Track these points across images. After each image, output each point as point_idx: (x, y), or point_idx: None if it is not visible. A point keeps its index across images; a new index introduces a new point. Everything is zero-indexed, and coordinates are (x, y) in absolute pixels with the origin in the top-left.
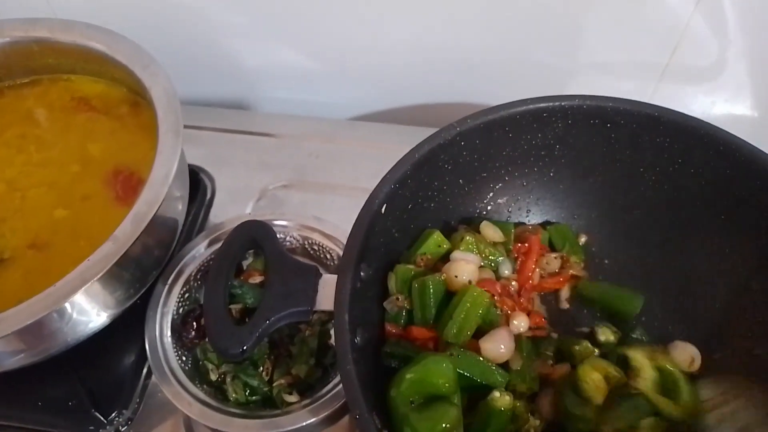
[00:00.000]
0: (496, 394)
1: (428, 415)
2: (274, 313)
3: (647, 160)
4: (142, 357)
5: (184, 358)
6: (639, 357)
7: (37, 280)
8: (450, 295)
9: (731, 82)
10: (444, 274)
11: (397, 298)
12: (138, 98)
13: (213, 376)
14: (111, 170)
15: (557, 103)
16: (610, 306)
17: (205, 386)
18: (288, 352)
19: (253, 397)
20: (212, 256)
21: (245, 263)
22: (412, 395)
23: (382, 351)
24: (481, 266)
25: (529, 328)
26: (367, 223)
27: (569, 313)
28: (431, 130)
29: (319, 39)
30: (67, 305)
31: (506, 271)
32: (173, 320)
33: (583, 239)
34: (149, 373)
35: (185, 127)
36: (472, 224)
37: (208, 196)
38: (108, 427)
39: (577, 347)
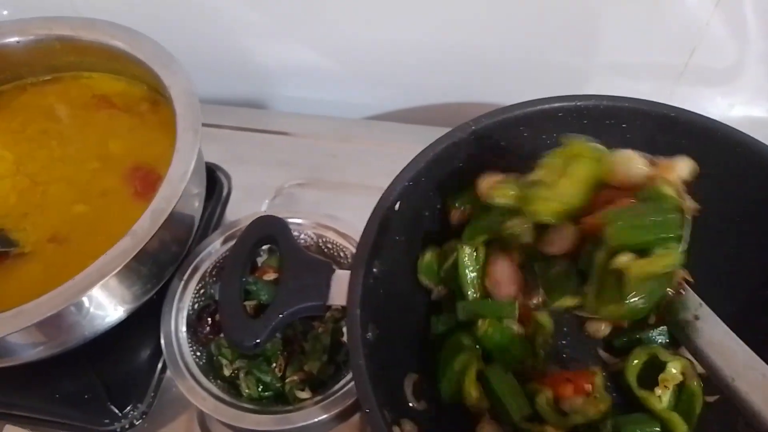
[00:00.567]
0: None
1: None
2: (288, 308)
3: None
4: (157, 352)
5: (198, 354)
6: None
7: (56, 273)
8: None
9: (750, 84)
10: None
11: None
12: (158, 96)
13: (227, 372)
14: (130, 166)
15: (573, 103)
16: None
17: (218, 381)
18: (301, 348)
19: (266, 393)
20: (227, 253)
21: (260, 260)
22: None
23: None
24: None
25: None
26: (381, 220)
27: None
28: (446, 130)
29: (335, 39)
30: (85, 299)
31: None
32: (188, 316)
33: None
34: (164, 368)
35: (203, 125)
36: None
37: (225, 193)
38: (123, 420)
39: None
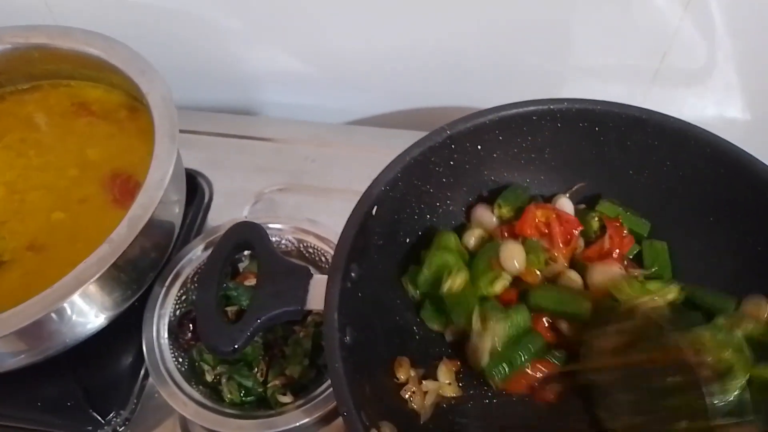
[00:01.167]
0: None
1: None
2: (265, 312)
3: (636, 162)
4: (139, 358)
5: (180, 360)
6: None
7: (35, 281)
8: None
9: (721, 84)
10: None
11: None
12: (136, 103)
13: (209, 377)
14: (109, 174)
15: (546, 107)
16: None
17: (200, 387)
18: (282, 353)
19: (248, 398)
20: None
21: (241, 266)
22: None
23: None
24: None
25: None
26: (358, 225)
27: None
28: (425, 134)
29: (316, 45)
30: (66, 306)
31: None
32: (170, 322)
33: None
34: (146, 374)
35: (183, 131)
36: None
37: (206, 199)
38: (105, 427)
39: None
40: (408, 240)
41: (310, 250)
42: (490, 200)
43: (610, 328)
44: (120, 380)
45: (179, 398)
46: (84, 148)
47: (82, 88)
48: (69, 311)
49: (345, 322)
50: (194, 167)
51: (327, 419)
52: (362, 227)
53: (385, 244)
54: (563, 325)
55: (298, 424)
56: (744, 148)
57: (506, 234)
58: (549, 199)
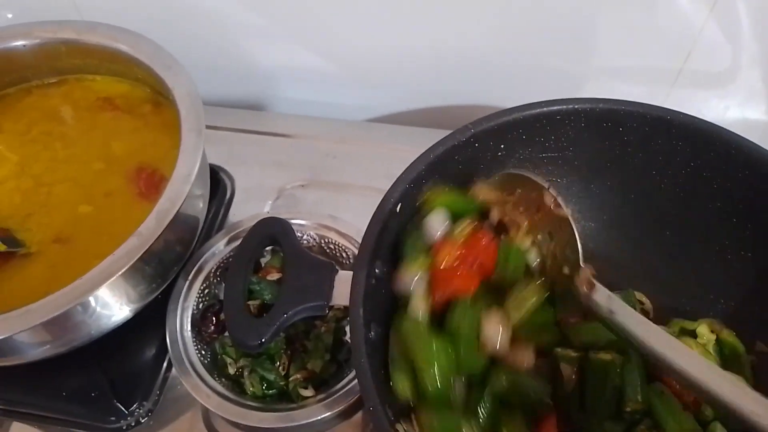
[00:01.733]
0: None
1: None
2: (291, 307)
3: (659, 163)
4: (162, 350)
5: (203, 352)
6: None
7: (61, 273)
8: None
9: (744, 87)
10: None
11: None
12: (160, 98)
13: (231, 370)
14: (134, 168)
15: (570, 106)
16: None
17: (223, 379)
18: (304, 347)
19: (270, 391)
20: (231, 254)
21: (263, 261)
22: None
23: None
24: None
25: None
26: (382, 222)
27: None
28: (445, 132)
29: (336, 42)
30: (92, 299)
31: None
32: (193, 315)
33: None
34: (169, 366)
35: (206, 127)
36: None
37: (228, 195)
38: (129, 417)
39: None
40: None
41: (332, 246)
42: None
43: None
44: (143, 372)
45: (202, 390)
46: (109, 141)
47: (107, 83)
48: (95, 303)
49: (370, 318)
50: (216, 162)
51: (347, 413)
52: (386, 224)
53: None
54: None
55: (318, 417)
56: None
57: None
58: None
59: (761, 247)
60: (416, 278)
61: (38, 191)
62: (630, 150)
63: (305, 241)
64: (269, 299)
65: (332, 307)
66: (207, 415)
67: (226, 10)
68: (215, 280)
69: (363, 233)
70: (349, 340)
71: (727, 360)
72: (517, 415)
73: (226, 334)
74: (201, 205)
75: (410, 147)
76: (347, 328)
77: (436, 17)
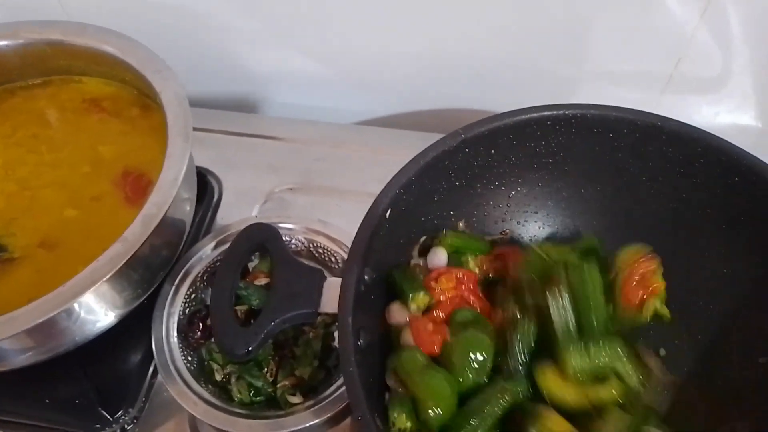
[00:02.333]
0: None
1: None
2: (279, 315)
3: (650, 169)
4: (148, 356)
5: (189, 358)
6: None
7: (46, 279)
8: None
9: (736, 92)
10: None
11: None
12: (148, 101)
13: (218, 377)
14: (121, 171)
15: (561, 112)
16: None
17: (210, 386)
18: (292, 353)
19: (258, 398)
20: (219, 258)
21: (251, 265)
22: None
23: None
24: None
25: None
26: (372, 228)
27: None
28: (437, 136)
29: (329, 45)
30: (76, 305)
31: None
32: (179, 320)
33: None
34: (155, 373)
35: (193, 129)
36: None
37: (216, 198)
38: (114, 425)
39: None
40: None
41: (321, 251)
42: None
43: None
44: (129, 378)
45: (188, 397)
46: (96, 145)
47: (94, 84)
48: (79, 309)
49: (359, 326)
50: (205, 165)
51: (336, 420)
52: (376, 230)
53: (397, 246)
54: None
55: (307, 424)
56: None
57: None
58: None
59: (753, 254)
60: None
61: (23, 195)
62: (621, 156)
63: (294, 246)
64: (257, 305)
65: (321, 313)
66: (194, 422)
67: (217, 12)
68: (202, 285)
69: (353, 238)
70: (338, 346)
71: None
72: None
73: (213, 339)
74: (188, 208)
75: (401, 151)
76: (336, 334)
77: (429, 21)
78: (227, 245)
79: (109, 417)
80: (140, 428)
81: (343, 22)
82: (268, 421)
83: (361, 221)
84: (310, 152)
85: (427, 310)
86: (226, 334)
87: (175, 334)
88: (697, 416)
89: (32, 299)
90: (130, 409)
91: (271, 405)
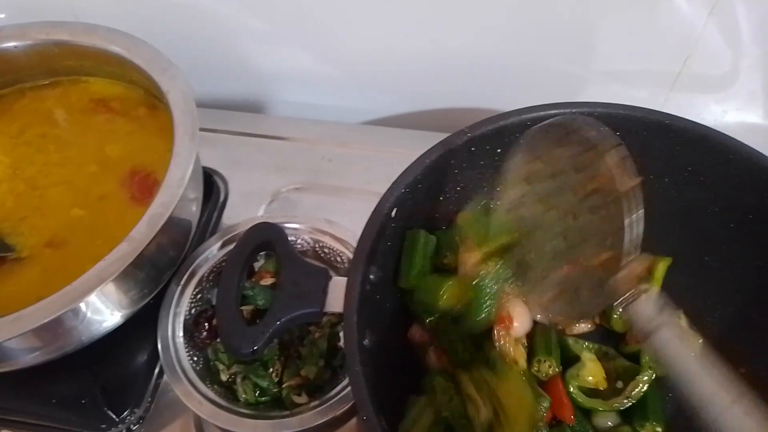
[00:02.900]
0: None
1: None
2: (285, 314)
3: (658, 167)
4: (154, 356)
5: (195, 358)
6: None
7: (54, 278)
8: None
9: (744, 91)
10: None
11: None
12: (156, 101)
13: (223, 377)
14: (128, 171)
15: (568, 110)
16: None
17: (215, 386)
18: (298, 353)
19: (263, 398)
20: (225, 258)
21: (257, 265)
22: None
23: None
24: None
25: None
26: (377, 227)
27: None
28: (443, 135)
29: (335, 44)
30: (82, 305)
31: None
32: (185, 320)
33: None
34: (161, 373)
35: (200, 129)
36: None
37: (222, 198)
38: (120, 425)
39: None
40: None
41: (326, 251)
42: None
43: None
44: (135, 378)
45: (194, 397)
46: (103, 144)
47: (102, 84)
48: (86, 309)
49: (364, 325)
50: (210, 165)
51: (341, 420)
52: (381, 229)
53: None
54: None
55: (312, 425)
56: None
57: None
58: None
59: (761, 253)
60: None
61: (31, 195)
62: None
63: (299, 245)
64: (263, 304)
65: (326, 313)
66: (199, 423)
67: (224, 12)
68: (208, 285)
69: (358, 238)
70: (343, 346)
71: None
72: None
73: (219, 340)
74: (194, 208)
75: (407, 150)
76: (342, 334)
77: (435, 21)
78: (233, 245)
79: (115, 417)
80: (146, 428)
81: (349, 22)
82: (273, 421)
83: (366, 220)
84: (316, 152)
85: None
86: (232, 334)
87: (181, 334)
88: None
89: (39, 298)
90: (136, 409)
91: (276, 405)
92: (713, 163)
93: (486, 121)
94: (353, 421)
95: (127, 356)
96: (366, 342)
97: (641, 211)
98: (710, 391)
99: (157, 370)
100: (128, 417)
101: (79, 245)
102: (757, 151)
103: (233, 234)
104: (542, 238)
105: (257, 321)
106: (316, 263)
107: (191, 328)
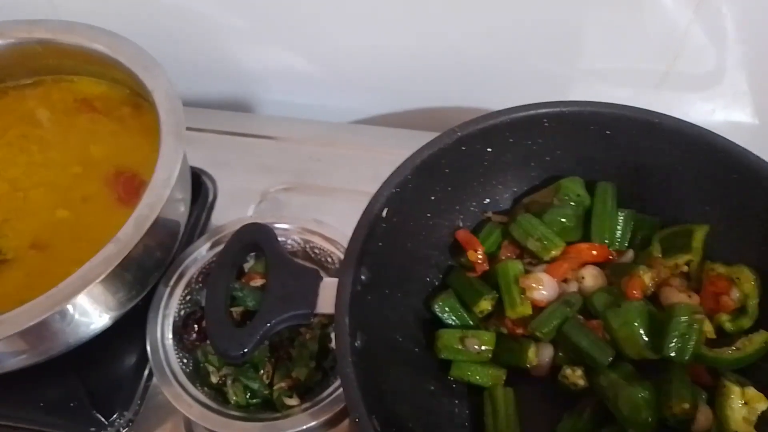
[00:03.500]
0: None
1: None
2: (275, 316)
3: (647, 166)
4: (143, 359)
5: (185, 360)
6: None
7: (38, 280)
8: None
9: (730, 89)
10: None
11: None
12: (140, 100)
13: (214, 379)
14: (112, 171)
15: (557, 109)
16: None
17: (205, 388)
18: (288, 355)
19: (254, 400)
20: (214, 259)
21: (246, 266)
22: None
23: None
24: None
25: None
26: (368, 227)
27: None
28: (432, 135)
29: (322, 44)
30: (69, 307)
31: None
32: (174, 322)
33: None
34: (150, 375)
35: (187, 129)
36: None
37: (210, 198)
38: (109, 428)
39: None
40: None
41: (316, 251)
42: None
43: None
44: (123, 381)
45: (184, 400)
46: (87, 145)
47: (84, 84)
48: (73, 311)
49: (355, 326)
50: (198, 165)
51: (333, 422)
52: (372, 229)
53: (394, 245)
54: None
55: (304, 427)
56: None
57: None
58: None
59: (750, 250)
60: None
61: (14, 196)
62: (617, 153)
63: (289, 246)
64: (252, 306)
65: (317, 314)
66: (189, 425)
67: (209, 11)
68: (197, 286)
69: (348, 238)
70: (334, 347)
71: None
72: None
73: (208, 341)
74: (182, 209)
75: (397, 149)
76: (333, 335)
77: (422, 20)
78: (222, 246)
79: (103, 420)
80: (135, 431)
81: (335, 21)
82: (264, 423)
83: (357, 221)
84: (305, 151)
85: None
86: (221, 336)
87: (170, 336)
88: None
89: (24, 301)
90: (125, 412)
91: (267, 407)
92: (701, 161)
93: (476, 120)
94: (345, 422)
95: (116, 359)
96: (357, 343)
97: None
98: None
99: (146, 373)
100: (117, 420)
101: (63, 247)
102: (745, 149)
103: (222, 235)
104: None
105: (247, 322)
106: (307, 264)
107: (180, 330)
